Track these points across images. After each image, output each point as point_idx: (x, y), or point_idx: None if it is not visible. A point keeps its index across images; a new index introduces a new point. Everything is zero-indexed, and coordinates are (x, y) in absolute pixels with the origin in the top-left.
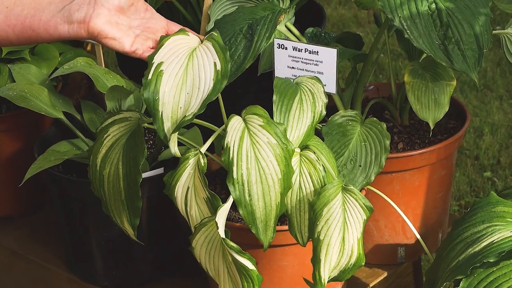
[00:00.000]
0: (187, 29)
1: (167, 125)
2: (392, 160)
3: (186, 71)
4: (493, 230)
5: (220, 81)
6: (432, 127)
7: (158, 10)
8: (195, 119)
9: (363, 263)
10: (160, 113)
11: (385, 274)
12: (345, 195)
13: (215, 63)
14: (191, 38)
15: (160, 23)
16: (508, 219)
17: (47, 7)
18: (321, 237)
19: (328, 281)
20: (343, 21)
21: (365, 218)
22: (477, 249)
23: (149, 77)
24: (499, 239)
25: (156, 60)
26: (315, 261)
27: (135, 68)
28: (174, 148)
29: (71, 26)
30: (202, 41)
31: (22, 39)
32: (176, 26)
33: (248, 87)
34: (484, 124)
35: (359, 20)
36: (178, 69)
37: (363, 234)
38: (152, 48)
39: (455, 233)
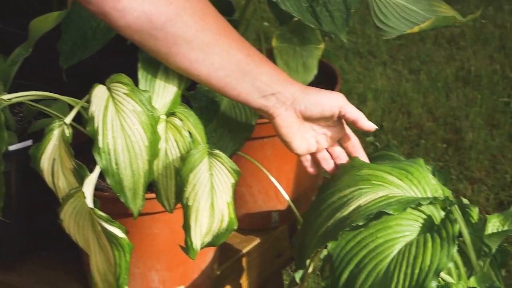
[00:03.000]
0: None
1: None
2: (263, 125)
3: None
4: (359, 193)
5: None
6: None
7: None
8: (56, 95)
9: (235, 227)
10: None
11: (259, 240)
12: (211, 160)
13: None
14: None
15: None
16: (374, 182)
17: (247, 81)
18: (190, 203)
19: (202, 247)
20: None
21: (233, 182)
22: (345, 213)
23: None
24: (366, 202)
25: None
26: (186, 227)
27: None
28: None
29: (262, 107)
30: None
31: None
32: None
33: (118, 59)
34: (367, 90)
35: None
36: None
37: (233, 198)
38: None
39: (320, 199)
